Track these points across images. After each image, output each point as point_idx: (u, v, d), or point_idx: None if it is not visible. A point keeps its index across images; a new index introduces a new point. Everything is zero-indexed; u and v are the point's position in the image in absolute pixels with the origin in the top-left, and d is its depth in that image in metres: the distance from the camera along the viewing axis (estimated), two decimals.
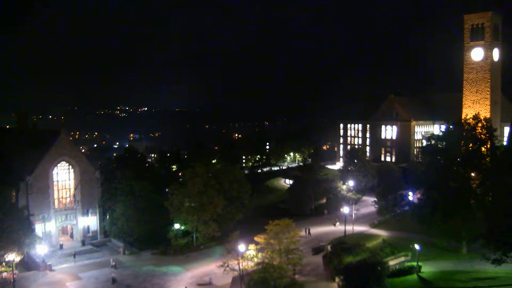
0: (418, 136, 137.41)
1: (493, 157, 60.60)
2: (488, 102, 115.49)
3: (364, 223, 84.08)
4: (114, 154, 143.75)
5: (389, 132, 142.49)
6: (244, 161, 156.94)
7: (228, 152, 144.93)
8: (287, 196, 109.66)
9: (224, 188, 79.07)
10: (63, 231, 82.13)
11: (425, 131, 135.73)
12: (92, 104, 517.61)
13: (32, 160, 75.94)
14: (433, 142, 64.95)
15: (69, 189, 79.41)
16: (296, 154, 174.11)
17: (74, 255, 70.80)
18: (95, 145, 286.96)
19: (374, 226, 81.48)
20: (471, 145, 61.92)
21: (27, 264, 66.50)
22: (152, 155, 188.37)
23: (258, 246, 56.77)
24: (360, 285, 49.31)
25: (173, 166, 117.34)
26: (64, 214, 78.32)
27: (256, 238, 57.37)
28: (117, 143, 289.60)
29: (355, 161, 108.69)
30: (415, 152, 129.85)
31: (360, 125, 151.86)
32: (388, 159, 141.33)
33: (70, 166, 78.97)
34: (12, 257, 58.01)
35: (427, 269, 56.17)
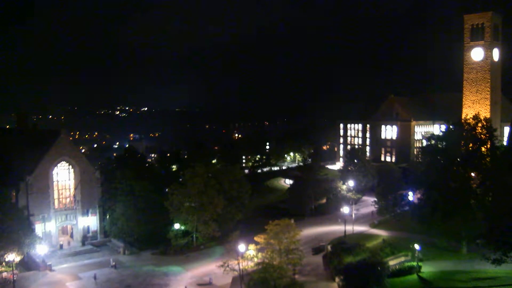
0: (418, 136, 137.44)
1: (493, 157, 60.64)
2: (488, 102, 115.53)
3: (364, 223, 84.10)
4: (114, 154, 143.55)
5: (389, 132, 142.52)
6: (244, 161, 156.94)
7: (228, 152, 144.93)
8: (287, 196, 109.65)
9: (224, 188, 79.08)
10: (63, 231, 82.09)
11: (425, 131, 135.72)
12: (92, 104, 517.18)
13: (32, 160, 75.95)
14: (433, 142, 65.02)
15: (69, 189, 79.41)
16: (296, 154, 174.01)
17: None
18: (95, 145, 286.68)
19: (374, 226, 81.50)
20: (471, 145, 61.99)
21: (27, 264, 66.51)
22: (152, 155, 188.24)
23: (258, 246, 56.80)
24: (360, 285, 49.35)
25: (173, 166, 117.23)
26: (64, 214, 78.33)
27: (256, 238, 57.42)
28: (117, 143, 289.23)
29: (355, 161, 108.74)
30: (415, 152, 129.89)
31: (360, 125, 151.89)
32: (388, 159, 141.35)
33: (70, 166, 78.97)
34: (12, 257, 58.07)
35: (427, 269, 56.19)
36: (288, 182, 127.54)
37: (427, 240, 62.76)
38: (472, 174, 63.03)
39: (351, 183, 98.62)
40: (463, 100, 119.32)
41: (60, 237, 79.17)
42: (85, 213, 79.87)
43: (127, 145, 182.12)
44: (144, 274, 64.28)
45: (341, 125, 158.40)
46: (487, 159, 61.30)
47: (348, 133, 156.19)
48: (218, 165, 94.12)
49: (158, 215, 77.80)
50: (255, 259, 55.76)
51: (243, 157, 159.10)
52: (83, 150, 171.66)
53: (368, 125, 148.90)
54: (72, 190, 79.38)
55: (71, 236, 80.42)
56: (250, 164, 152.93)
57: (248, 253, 56.68)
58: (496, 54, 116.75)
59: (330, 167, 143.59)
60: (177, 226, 77.08)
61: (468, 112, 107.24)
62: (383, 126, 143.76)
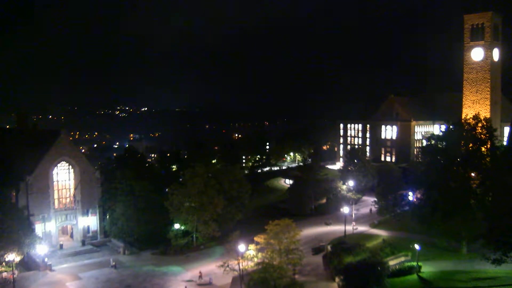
0: (418, 136, 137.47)
1: (493, 157, 60.63)
2: (488, 102, 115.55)
3: (364, 223, 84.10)
4: (114, 154, 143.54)
5: (389, 132, 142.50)
6: (244, 161, 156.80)
7: (228, 152, 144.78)
8: (287, 196, 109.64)
9: (224, 188, 79.07)
10: (63, 231, 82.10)
11: (425, 131, 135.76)
12: (92, 104, 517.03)
13: (32, 160, 75.92)
14: (433, 142, 65.01)
15: (69, 189, 79.38)
16: (296, 154, 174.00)
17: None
18: (95, 145, 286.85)
19: (374, 226, 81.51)
20: (471, 145, 61.96)
21: (27, 264, 66.49)
22: (152, 155, 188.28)
23: (258, 246, 56.80)
24: (360, 285, 49.35)
25: (173, 166, 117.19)
26: (64, 214, 78.31)
27: (256, 238, 57.41)
28: (117, 143, 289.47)
29: (355, 161, 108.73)
30: (415, 152, 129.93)
31: (360, 125, 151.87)
32: (388, 159, 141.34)
33: (70, 166, 78.95)
34: (12, 257, 58.03)
35: (427, 269, 56.18)
36: (288, 182, 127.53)
37: (427, 240, 62.77)
38: (472, 174, 63.02)
39: (351, 183, 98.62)
40: (463, 100, 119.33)
41: (60, 237, 79.17)
42: (85, 213, 79.86)
43: (127, 145, 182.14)
44: (144, 274, 64.26)
45: (341, 125, 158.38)
46: (487, 159, 61.28)
47: (348, 133, 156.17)
48: (218, 165, 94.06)
49: (158, 215, 77.75)
50: (255, 259, 55.73)
51: (243, 157, 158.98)
52: (83, 150, 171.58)
53: (368, 125, 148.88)
54: (72, 190, 79.36)
55: (71, 236, 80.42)
56: (250, 164, 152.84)
57: (248, 253, 56.66)
58: (496, 54, 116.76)
59: (330, 167, 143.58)
60: (177, 226, 77.06)
61: (468, 112, 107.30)
62: (383, 126, 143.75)
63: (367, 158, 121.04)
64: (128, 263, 69.60)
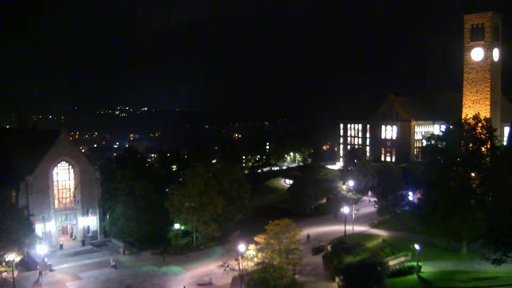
0: (418, 136, 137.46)
1: (493, 157, 60.61)
2: (488, 102, 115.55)
3: (364, 223, 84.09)
4: (114, 154, 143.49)
5: (389, 132, 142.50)
6: (244, 161, 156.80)
7: (228, 152, 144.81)
8: (287, 196, 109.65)
9: (224, 188, 79.06)
10: (63, 231, 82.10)
11: (425, 131, 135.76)
12: (92, 104, 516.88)
13: (32, 160, 75.94)
14: (433, 142, 64.98)
15: (69, 189, 79.41)
16: (296, 154, 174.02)
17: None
18: (95, 145, 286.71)
19: (374, 226, 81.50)
20: (471, 145, 61.95)
21: (27, 264, 66.46)
22: (152, 155, 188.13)
23: (258, 246, 56.79)
24: (360, 285, 49.34)
25: (173, 166, 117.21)
26: (64, 214, 78.34)
27: (256, 238, 57.41)
28: (117, 143, 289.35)
29: (355, 161, 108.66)
30: (415, 152, 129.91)
31: (360, 125, 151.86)
32: (388, 159, 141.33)
33: (70, 166, 78.97)
34: (12, 257, 58.03)
35: (427, 269, 56.18)
36: (288, 182, 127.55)
37: (427, 240, 62.76)
38: (472, 174, 63.02)
39: (351, 183, 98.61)
40: (463, 100, 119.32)
41: (60, 237, 79.18)
42: (85, 213, 79.88)
43: (127, 145, 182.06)
44: (144, 274, 64.29)
45: (341, 125, 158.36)
46: (487, 159, 61.26)
47: (348, 133, 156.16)
48: (218, 165, 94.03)
49: (158, 215, 77.77)
50: (255, 259, 55.73)
51: (243, 157, 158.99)
52: (83, 150, 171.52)
53: (368, 125, 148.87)
54: (72, 190, 79.38)
55: (71, 236, 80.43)
56: (250, 164, 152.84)
57: (248, 253, 56.66)
58: (496, 54, 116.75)
59: (330, 167, 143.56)
60: (177, 226, 77.08)
61: (468, 112, 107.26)
62: (383, 126, 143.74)
63: (367, 158, 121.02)
64: (128, 263, 69.62)
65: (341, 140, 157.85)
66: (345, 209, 76.82)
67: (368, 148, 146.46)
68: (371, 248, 62.50)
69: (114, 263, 66.95)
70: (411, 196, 78.23)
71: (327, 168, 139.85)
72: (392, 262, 56.20)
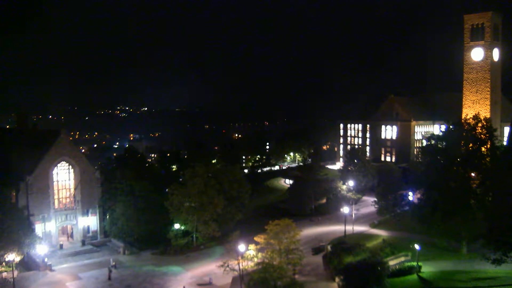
0: (418, 136, 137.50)
1: (493, 157, 60.59)
2: (488, 102, 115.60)
3: (364, 223, 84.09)
4: (114, 154, 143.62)
5: (389, 132, 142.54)
6: (244, 161, 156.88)
7: (228, 152, 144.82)
8: (287, 196, 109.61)
9: (224, 188, 79.04)
10: (63, 231, 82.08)
11: (425, 131, 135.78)
12: (92, 104, 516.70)
13: (32, 160, 75.92)
14: (433, 142, 64.97)
15: (69, 189, 79.39)
16: (296, 154, 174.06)
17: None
18: (95, 145, 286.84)
19: (374, 226, 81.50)
20: (471, 145, 61.94)
21: (27, 264, 66.47)
22: (152, 155, 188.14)
23: (258, 246, 56.79)
24: (360, 285, 49.34)
25: (173, 166, 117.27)
26: (64, 214, 78.31)
27: (256, 238, 57.40)
28: (117, 143, 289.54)
29: (355, 161, 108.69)
30: (415, 152, 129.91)
31: (360, 125, 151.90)
32: (388, 159, 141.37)
33: (70, 166, 78.96)
34: (12, 257, 58.02)
35: (427, 269, 56.18)
36: (288, 182, 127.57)
37: (427, 240, 62.72)
38: (472, 174, 63.01)
39: (351, 183, 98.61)
40: (463, 100, 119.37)
41: (60, 237, 79.18)
42: (85, 213, 79.86)
43: (127, 145, 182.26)
44: (144, 274, 64.26)
45: (341, 125, 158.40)
46: (487, 159, 61.24)
47: (348, 133, 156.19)
48: (218, 165, 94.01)
49: (158, 215, 77.75)
50: (255, 259, 55.72)
51: (243, 157, 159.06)
52: (83, 150, 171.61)
53: (368, 125, 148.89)
54: (72, 190, 79.36)
55: (71, 236, 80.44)
56: (250, 164, 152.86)
57: (248, 253, 56.65)
58: (496, 54, 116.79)
59: (330, 167, 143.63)
60: (177, 226, 77.06)
61: (468, 112, 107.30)
62: (383, 126, 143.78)
63: (367, 158, 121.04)
64: (128, 263, 69.58)
65: (341, 140, 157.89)
66: (345, 209, 76.82)
67: (368, 148, 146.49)
68: (371, 248, 62.49)
69: (114, 263, 66.86)
70: (411, 196, 78.19)
71: (327, 168, 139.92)
72: (392, 262, 56.17)
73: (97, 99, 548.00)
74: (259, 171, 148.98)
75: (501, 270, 49.47)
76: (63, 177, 78.62)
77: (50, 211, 75.92)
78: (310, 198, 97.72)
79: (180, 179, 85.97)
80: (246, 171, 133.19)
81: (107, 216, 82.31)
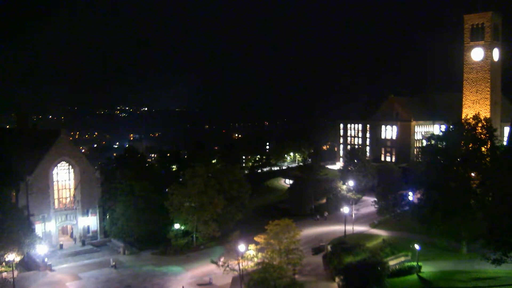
0: (418, 136, 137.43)
1: (493, 157, 60.62)
2: (488, 102, 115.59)
3: (364, 223, 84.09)
4: (114, 154, 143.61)
5: (389, 132, 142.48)
6: (244, 161, 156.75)
7: (228, 152, 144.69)
8: (287, 196, 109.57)
9: (224, 188, 79.02)
10: (63, 231, 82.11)
11: (425, 131, 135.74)
12: (92, 104, 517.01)
13: (32, 160, 75.94)
14: (433, 142, 65.01)
15: (69, 189, 79.41)
16: (296, 154, 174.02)
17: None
18: (95, 145, 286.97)
19: (374, 226, 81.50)
20: (471, 145, 61.97)
21: (27, 264, 66.50)
22: (152, 155, 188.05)
23: (258, 246, 56.78)
24: (360, 285, 49.36)
25: (173, 166, 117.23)
26: (64, 214, 78.34)
27: (256, 238, 57.39)
28: (117, 143, 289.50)
29: (355, 161, 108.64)
30: (415, 152, 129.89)
31: (360, 125, 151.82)
32: (388, 159, 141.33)
33: (70, 166, 78.97)
34: (12, 257, 58.06)
35: (427, 269, 56.19)
36: (288, 182, 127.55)
37: (427, 240, 62.75)
38: (472, 174, 63.02)
39: (351, 183, 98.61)
40: (463, 100, 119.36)
41: (60, 237, 79.19)
42: (85, 213, 79.88)
43: (127, 145, 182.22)
44: (144, 274, 64.28)
45: (341, 125, 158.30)
46: (487, 159, 61.28)
47: (348, 133, 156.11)
48: (218, 165, 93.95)
49: (158, 215, 77.75)
50: (255, 259, 55.75)
51: (243, 157, 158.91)
52: (83, 150, 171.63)
53: (368, 125, 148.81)
54: (72, 190, 79.38)
55: (71, 236, 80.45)
56: (250, 164, 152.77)
57: (248, 253, 56.68)
58: (496, 54, 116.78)
59: (330, 167, 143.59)
60: (177, 226, 77.06)
61: (468, 112, 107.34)
62: (383, 126, 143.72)
63: (367, 158, 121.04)
64: (128, 263, 69.60)
65: (341, 140, 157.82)
66: (345, 209, 76.83)
67: (368, 148, 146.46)
68: (371, 248, 62.50)
69: (114, 263, 66.95)
70: (411, 196, 78.18)
71: (327, 168, 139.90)
72: (392, 262, 56.20)
73: (97, 99, 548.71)
74: (259, 171, 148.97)
75: (501, 270, 49.50)
76: (63, 177, 78.64)
77: (50, 211, 75.93)
78: (310, 198, 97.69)
79: (180, 179, 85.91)
80: (246, 171, 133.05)
81: (107, 216, 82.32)
